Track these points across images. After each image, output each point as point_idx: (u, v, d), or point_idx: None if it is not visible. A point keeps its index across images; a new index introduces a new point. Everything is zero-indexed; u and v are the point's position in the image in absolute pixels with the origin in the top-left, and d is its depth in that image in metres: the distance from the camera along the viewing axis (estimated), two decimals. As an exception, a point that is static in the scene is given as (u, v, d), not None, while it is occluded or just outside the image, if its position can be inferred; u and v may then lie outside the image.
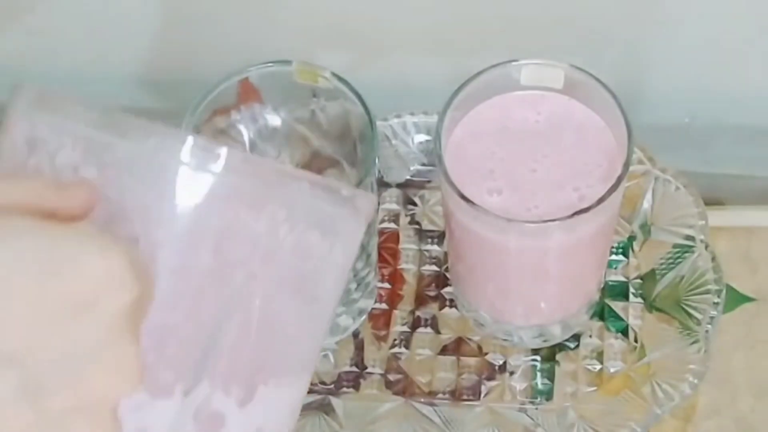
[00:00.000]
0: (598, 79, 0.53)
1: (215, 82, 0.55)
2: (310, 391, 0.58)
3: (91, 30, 0.70)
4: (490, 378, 0.60)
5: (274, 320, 0.36)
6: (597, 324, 0.61)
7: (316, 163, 0.57)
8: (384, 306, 0.62)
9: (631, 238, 0.63)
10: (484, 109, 0.54)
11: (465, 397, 0.59)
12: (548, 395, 0.59)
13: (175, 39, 0.71)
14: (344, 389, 0.60)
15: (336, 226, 0.37)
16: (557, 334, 0.60)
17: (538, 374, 0.60)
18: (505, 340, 0.60)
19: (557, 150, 0.53)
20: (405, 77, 0.70)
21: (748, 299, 0.63)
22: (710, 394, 0.60)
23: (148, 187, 0.34)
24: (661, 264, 0.62)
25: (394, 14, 0.68)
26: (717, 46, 0.68)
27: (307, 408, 0.59)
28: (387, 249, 0.64)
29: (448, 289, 0.62)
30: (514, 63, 0.54)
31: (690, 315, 0.59)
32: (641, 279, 0.62)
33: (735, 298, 0.63)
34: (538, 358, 0.60)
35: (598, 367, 0.60)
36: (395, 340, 0.61)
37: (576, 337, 0.60)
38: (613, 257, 0.62)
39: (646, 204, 0.63)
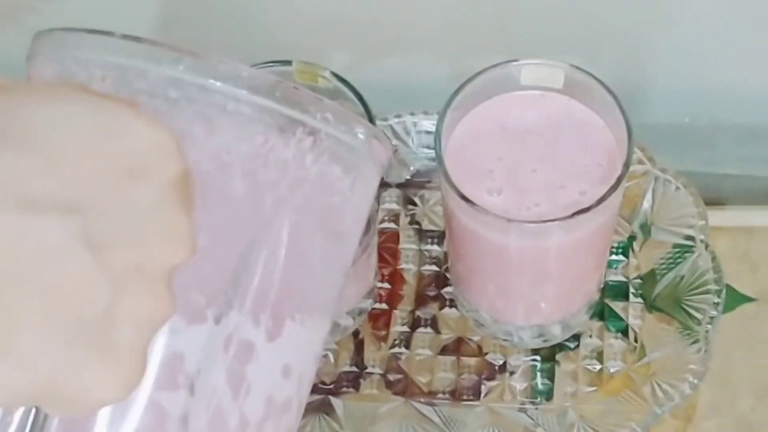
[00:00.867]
0: (598, 79, 0.53)
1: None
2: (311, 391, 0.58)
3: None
4: (490, 378, 0.60)
5: (302, 250, 0.37)
6: (597, 324, 0.61)
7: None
8: (384, 306, 0.62)
9: (631, 238, 0.63)
10: (484, 109, 0.54)
11: (465, 397, 0.59)
12: (548, 395, 0.59)
13: (175, 39, 0.71)
14: (344, 389, 0.60)
15: (356, 164, 0.38)
16: (557, 334, 0.60)
17: (538, 374, 0.60)
18: (505, 340, 0.60)
19: (557, 150, 0.53)
20: (405, 77, 0.70)
21: (748, 299, 0.63)
22: (710, 394, 0.60)
23: (179, 111, 0.34)
24: (661, 264, 0.62)
25: (394, 14, 0.68)
26: (717, 46, 0.68)
27: (307, 408, 0.58)
28: (387, 249, 0.64)
29: (448, 289, 0.62)
30: (514, 63, 0.54)
31: (690, 315, 0.59)
32: (641, 279, 0.62)
33: (735, 298, 0.63)
34: (538, 358, 0.60)
35: (598, 367, 0.60)
36: (395, 340, 0.61)
37: (576, 337, 0.60)
38: (613, 257, 0.62)
39: (646, 204, 0.63)
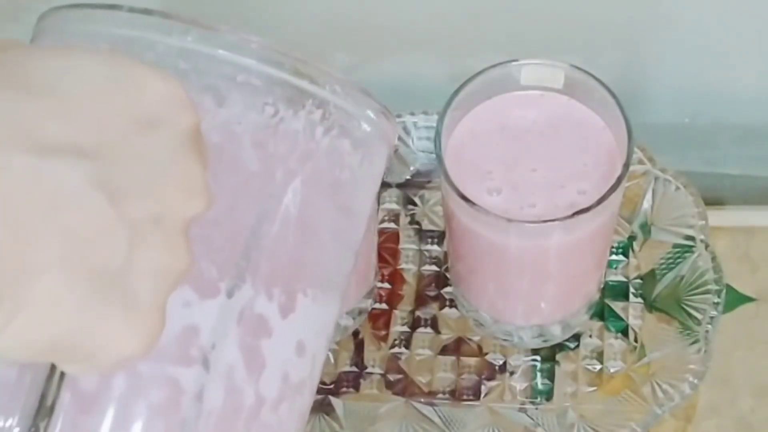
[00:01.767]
0: (598, 79, 0.53)
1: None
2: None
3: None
4: (490, 378, 0.60)
5: (312, 223, 0.37)
6: (597, 324, 0.61)
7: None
8: (384, 306, 0.62)
9: (631, 238, 0.63)
10: (484, 109, 0.54)
11: (465, 397, 0.59)
12: (548, 395, 0.59)
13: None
14: (344, 389, 0.60)
15: (365, 139, 0.38)
16: (557, 334, 0.60)
17: (538, 374, 0.60)
18: (505, 340, 0.60)
19: (557, 150, 0.53)
20: (405, 77, 0.70)
21: (748, 299, 0.63)
22: (710, 394, 0.60)
23: (189, 83, 0.34)
24: (661, 264, 0.62)
25: (394, 14, 0.68)
26: (717, 46, 0.68)
27: (307, 408, 0.59)
28: (387, 249, 0.64)
29: (448, 289, 0.62)
30: (514, 63, 0.54)
31: (690, 315, 0.59)
32: (641, 279, 0.62)
33: (735, 298, 0.63)
34: (538, 358, 0.60)
35: (598, 367, 0.60)
36: (395, 340, 0.61)
37: (576, 337, 0.60)
38: (613, 257, 0.62)
39: (646, 204, 0.63)
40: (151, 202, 0.30)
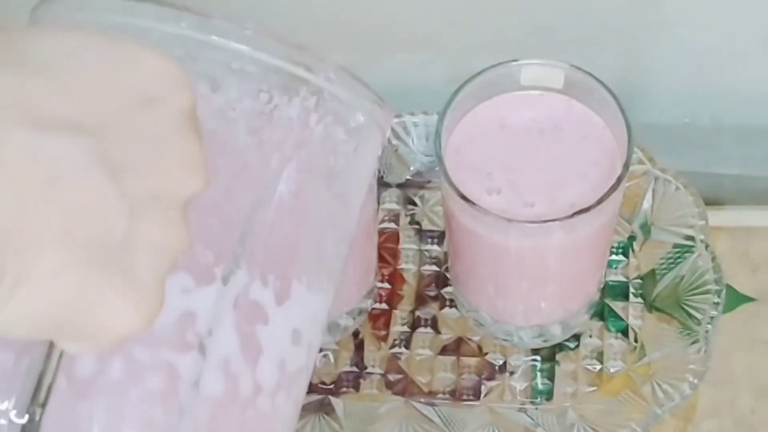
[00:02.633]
0: (598, 79, 0.53)
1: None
2: (310, 391, 0.58)
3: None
4: (490, 378, 0.60)
5: (307, 210, 0.37)
6: (597, 324, 0.61)
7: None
8: (384, 306, 0.62)
9: (631, 238, 0.63)
10: (484, 109, 0.54)
11: (465, 397, 0.59)
12: (548, 395, 0.59)
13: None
14: (344, 389, 0.60)
15: (359, 128, 0.38)
16: (557, 334, 0.60)
17: (538, 374, 0.60)
18: (505, 340, 0.60)
19: (557, 150, 0.53)
20: (405, 77, 0.70)
21: (748, 299, 0.63)
22: (710, 394, 0.60)
23: (184, 68, 0.34)
24: (661, 264, 0.62)
25: (394, 14, 0.68)
26: (717, 46, 0.68)
27: (307, 408, 0.59)
28: (387, 249, 0.64)
29: (448, 289, 0.62)
30: (514, 63, 0.54)
31: (690, 315, 0.59)
32: (641, 279, 0.62)
33: (735, 298, 0.63)
34: (538, 358, 0.60)
35: (598, 367, 0.60)
36: (395, 340, 0.61)
37: (576, 337, 0.60)
38: (613, 257, 0.62)
39: (646, 204, 0.63)
40: (150, 178, 0.30)
